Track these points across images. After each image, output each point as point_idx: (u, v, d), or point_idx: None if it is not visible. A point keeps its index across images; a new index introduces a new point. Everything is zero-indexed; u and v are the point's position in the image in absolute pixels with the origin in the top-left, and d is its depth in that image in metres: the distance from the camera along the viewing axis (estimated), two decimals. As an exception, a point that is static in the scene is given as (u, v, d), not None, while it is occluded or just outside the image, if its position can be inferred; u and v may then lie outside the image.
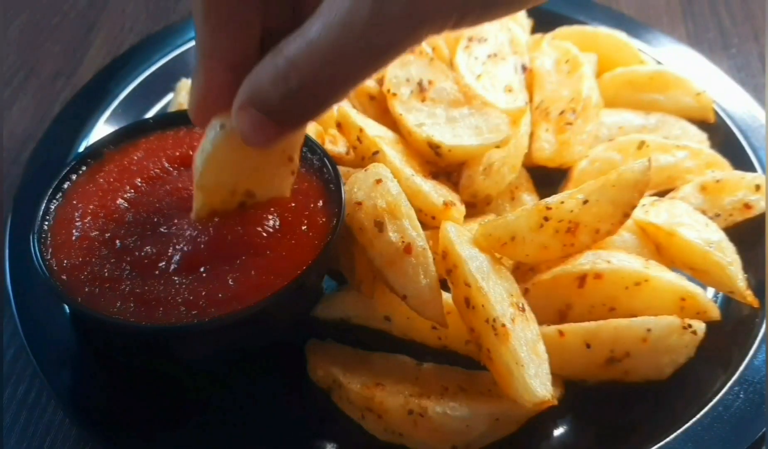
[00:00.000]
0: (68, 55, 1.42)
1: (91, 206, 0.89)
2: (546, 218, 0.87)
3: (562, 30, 1.25)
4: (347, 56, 0.62)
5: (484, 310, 0.81)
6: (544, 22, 1.27)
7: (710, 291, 0.98)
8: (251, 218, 0.86)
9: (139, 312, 0.80)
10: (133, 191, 0.91)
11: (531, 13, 1.27)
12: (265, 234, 0.86)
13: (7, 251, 0.97)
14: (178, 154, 0.94)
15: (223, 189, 0.83)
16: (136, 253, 0.84)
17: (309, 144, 0.95)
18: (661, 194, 1.05)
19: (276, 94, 0.66)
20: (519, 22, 1.24)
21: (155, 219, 0.87)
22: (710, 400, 0.86)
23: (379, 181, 0.91)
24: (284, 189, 0.86)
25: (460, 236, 0.88)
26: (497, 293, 0.83)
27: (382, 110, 1.08)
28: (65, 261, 0.84)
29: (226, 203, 0.84)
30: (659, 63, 1.24)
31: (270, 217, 0.87)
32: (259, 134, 0.70)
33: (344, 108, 1.02)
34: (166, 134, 0.97)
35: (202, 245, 0.84)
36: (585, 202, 0.87)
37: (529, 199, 1.06)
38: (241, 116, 0.69)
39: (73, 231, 0.86)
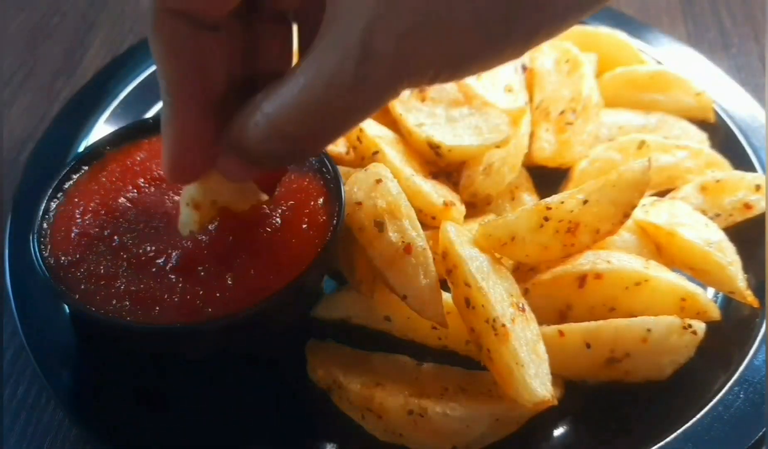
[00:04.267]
0: (68, 55, 1.42)
1: (92, 205, 0.89)
2: (546, 218, 0.87)
3: (562, 30, 1.25)
4: (328, 116, 0.64)
5: (484, 310, 0.81)
6: (544, 22, 1.27)
7: (710, 291, 0.98)
8: (251, 218, 0.86)
9: (135, 311, 0.80)
10: (135, 190, 0.91)
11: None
12: (264, 234, 0.86)
13: (6, 251, 0.97)
14: None
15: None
16: (134, 251, 0.84)
17: (309, 144, 0.95)
18: (662, 194, 1.05)
19: (258, 150, 0.68)
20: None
21: (155, 219, 0.87)
22: (710, 400, 0.86)
23: (379, 181, 0.90)
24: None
25: (460, 236, 0.88)
26: (497, 293, 0.83)
27: (382, 110, 1.07)
28: (63, 258, 0.84)
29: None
30: (659, 63, 1.24)
31: (270, 217, 0.87)
32: (243, 174, 0.75)
33: (344, 108, 1.02)
34: None
35: (202, 245, 0.84)
36: (585, 202, 0.87)
37: (529, 199, 1.06)
38: (224, 163, 0.73)
39: (73, 228, 0.86)
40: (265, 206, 0.88)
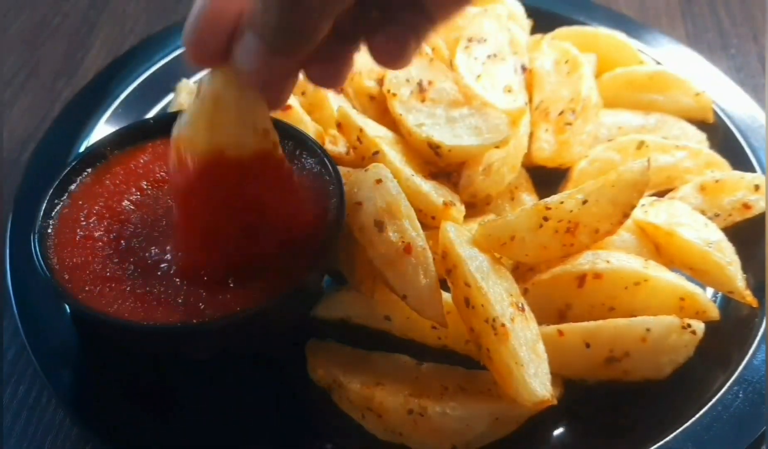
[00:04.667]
0: (69, 56, 1.42)
1: (96, 207, 0.89)
2: (545, 218, 0.87)
3: (562, 30, 1.25)
4: None
5: (483, 310, 0.82)
6: (543, 22, 1.27)
7: (710, 291, 0.98)
8: (251, 218, 0.87)
9: (139, 312, 0.80)
10: (139, 193, 0.91)
11: (531, 14, 1.27)
12: (265, 234, 0.86)
13: (7, 251, 0.97)
14: None
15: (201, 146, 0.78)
16: (139, 254, 0.85)
17: (309, 144, 0.96)
18: (661, 194, 1.05)
19: (270, 15, 0.64)
20: (519, 22, 1.24)
21: (159, 221, 0.88)
22: (709, 400, 0.86)
23: (379, 181, 0.91)
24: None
25: (460, 236, 0.88)
26: (497, 293, 0.83)
27: (382, 110, 1.08)
28: (67, 260, 0.84)
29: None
30: (658, 63, 1.25)
31: (270, 217, 0.87)
32: (250, 59, 0.69)
33: (344, 108, 1.02)
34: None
35: (203, 246, 0.84)
36: (584, 202, 0.87)
37: (528, 199, 1.06)
38: (239, 44, 0.69)
39: (78, 231, 0.87)
40: (265, 205, 0.88)
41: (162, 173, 0.93)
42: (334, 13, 0.67)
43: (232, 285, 0.82)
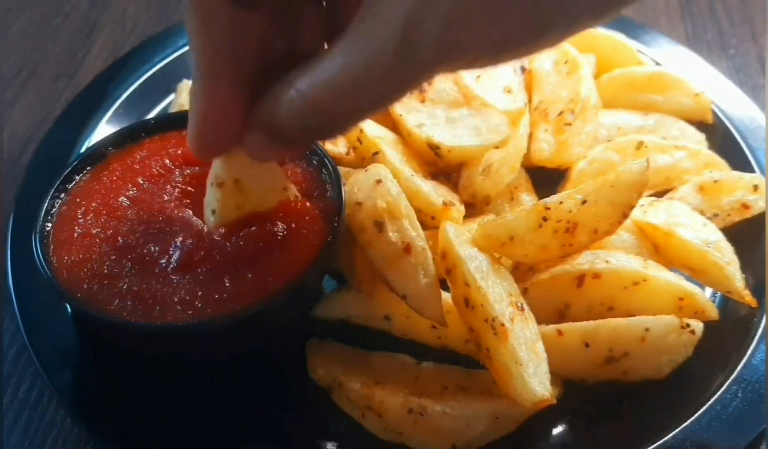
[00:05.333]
0: (70, 56, 1.42)
1: (94, 204, 0.89)
2: (545, 219, 0.88)
3: (561, 31, 1.25)
4: (364, 96, 0.63)
5: (483, 309, 0.82)
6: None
7: (708, 291, 0.98)
8: (251, 219, 0.87)
9: (137, 311, 0.80)
10: (135, 189, 0.91)
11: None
12: (265, 234, 0.86)
13: (8, 251, 0.97)
14: (180, 152, 0.95)
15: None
16: (137, 251, 0.84)
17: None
18: (660, 194, 1.05)
19: (291, 127, 0.67)
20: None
21: (157, 218, 0.88)
22: (708, 399, 0.87)
23: (379, 181, 0.91)
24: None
25: (460, 236, 0.88)
26: (496, 292, 0.84)
27: (381, 112, 1.08)
28: (66, 258, 0.84)
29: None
30: (658, 64, 1.25)
31: (270, 217, 0.87)
32: (268, 152, 0.73)
33: (344, 109, 1.02)
34: (169, 134, 0.97)
35: (202, 245, 0.85)
36: (584, 202, 0.88)
37: (528, 199, 1.06)
38: (251, 140, 0.71)
39: (76, 228, 0.87)
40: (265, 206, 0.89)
41: (158, 169, 0.93)
42: (357, 123, 0.70)
43: (231, 285, 0.82)
